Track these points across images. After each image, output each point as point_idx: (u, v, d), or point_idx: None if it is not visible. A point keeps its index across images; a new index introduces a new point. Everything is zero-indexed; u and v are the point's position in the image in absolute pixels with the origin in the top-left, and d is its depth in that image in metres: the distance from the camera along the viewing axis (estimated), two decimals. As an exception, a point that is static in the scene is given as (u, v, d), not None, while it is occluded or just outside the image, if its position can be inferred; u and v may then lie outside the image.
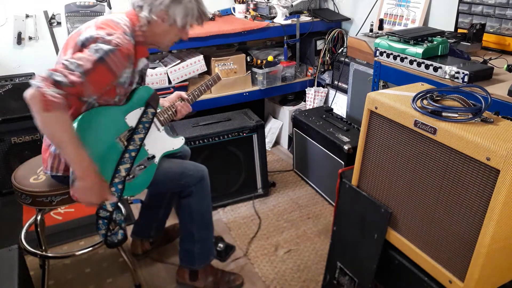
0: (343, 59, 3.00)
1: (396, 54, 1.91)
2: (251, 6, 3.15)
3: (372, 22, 2.64)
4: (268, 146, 3.32)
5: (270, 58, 2.98)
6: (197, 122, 2.55)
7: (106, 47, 1.38)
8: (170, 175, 1.76)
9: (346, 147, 2.32)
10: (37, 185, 1.68)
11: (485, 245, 1.08)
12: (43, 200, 1.67)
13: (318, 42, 3.18)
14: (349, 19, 3.11)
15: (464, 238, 1.15)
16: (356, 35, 2.88)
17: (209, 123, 2.54)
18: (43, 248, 1.80)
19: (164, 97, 1.94)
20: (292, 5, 3.03)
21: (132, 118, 1.64)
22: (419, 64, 1.80)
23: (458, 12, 2.24)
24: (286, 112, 3.26)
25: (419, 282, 1.31)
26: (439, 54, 1.83)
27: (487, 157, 1.03)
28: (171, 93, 2.71)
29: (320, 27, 3.14)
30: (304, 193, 2.74)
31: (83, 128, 1.49)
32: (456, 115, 1.15)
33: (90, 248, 1.86)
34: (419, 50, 1.80)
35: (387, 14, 2.70)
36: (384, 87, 2.15)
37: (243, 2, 3.19)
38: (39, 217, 1.75)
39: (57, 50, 2.82)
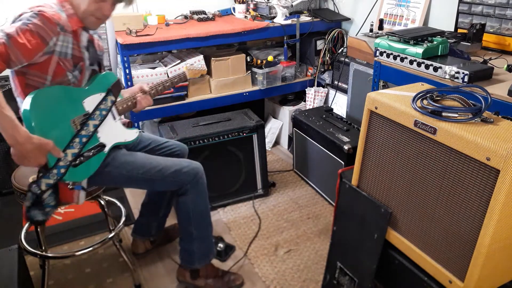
0: (343, 59, 3.00)
1: (396, 54, 1.91)
2: (251, 6, 3.15)
3: (372, 22, 2.64)
4: (268, 146, 3.32)
5: (270, 58, 2.98)
6: (197, 122, 2.55)
7: (28, 14, 1.44)
8: (164, 173, 1.75)
9: (346, 147, 2.32)
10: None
11: (485, 245, 1.08)
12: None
13: (318, 42, 3.18)
14: (349, 19, 3.11)
15: (464, 238, 1.15)
16: (356, 35, 2.88)
17: (209, 123, 2.54)
18: (43, 248, 1.80)
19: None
20: (292, 5, 3.03)
21: (90, 103, 1.62)
22: (419, 64, 1.80)
23: (458, 12, 2.24)
24: (286, 112, 3.26)
25: (419, 282, 1.31)
26: (439, 54, 1.83)
27: (487, 157, 1.03)
28: (171, 93, 2.74)
29: (320, 27, 3.14)
30: (304, 193, 2.74)
31: (38, 103, 1.46)
32: (456, 115, 1.15)
33: (90, 248, 1.85)
34: (419, 50, 1.80)
35: (387, 14, 2.70)
36: (384, 87, 2.15)
37: (243, 2, 3.19)
38: (39, 217, 1.75)
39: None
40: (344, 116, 2.88)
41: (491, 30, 2.09)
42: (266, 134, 3.09)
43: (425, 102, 1.23)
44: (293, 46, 3.19)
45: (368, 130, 1.43)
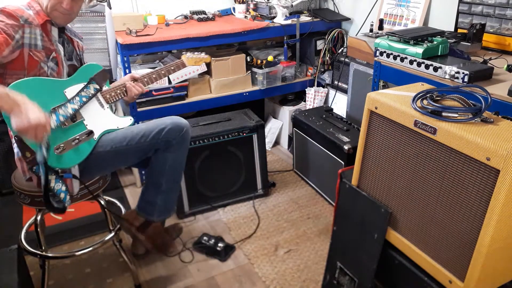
0: (343, 59, 3.00)
1: (396, 54, 1.91)
2: (251, 6, 3.15)
3: (372, 22, 2.64)
4: (268, 146, 3.32)
5: (270, 58, 2.98)
6: (197, 122, 2.55)
7: None
8: (148, 136, 1.75)
9: (346, 147, 2.32)
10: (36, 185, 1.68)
11: (485, 245, 1.08)
12: (42, 200, 1.67)
13: (318, 42, 3.18)
14: (349, 19, 3.11)
15: (464, 238, 1.15)
16: (356, 35, 2.88)
17: (209, 123, 2.54)
18: (43, 248, 1.80)
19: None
20: (292, 5, 3.02)
21: (71, 92, 1.66)
22: (419, 64, 1.80)
23: (458, 12, 2.24)
24: (286, 112, 3.26)
25: (419, 282, 1.31)
26: (439, 54, 1.83)
27: (487, 157, 1.03)
28: (171, 93, 2.74)
29: (320, 27, 3.14)
30: (304, 193, 2.74)
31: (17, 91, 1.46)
32: (456, 115, 1.15)
33: (90, 248, 1.85)
34: (419, 50, 1.80)
35: (387, 14, 2.70)
36: (384, 87, 2.15)
37: (243, 2, 3.19)
38: (39, 217, 1.75)
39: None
40: (344, 116, 2.88)
41: (491, 30, 2.09)
42: (266, 134, 3.09)
43: (425, 102, 1.23)
44: (293, 46, 3.19)
45: (368, 130, 1.43)
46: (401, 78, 1.91)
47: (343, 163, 2.37)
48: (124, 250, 1.98)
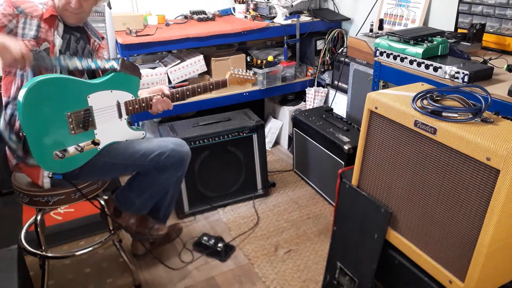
0: (343, 59, 3.00)
1: (396, 54, 1.91)
2: (251, 6, 3.15)
3: (372, 22, 2.64)
4: (268, 146, 3.32)
5: (270, 58, 2.98)
6: (197, 122, 2.55)
7: None
8: (147, 156, 1.75)
9: (346, 147, 2.32)
10: (35, 185, 1.68)
11: (485, 245, 1.08)
12: (40, 200, 1.67)
13: (318, 42, 3.18)
14: (349, 19, 3.11)
15: (464, 238, 1.15)
16: (356, 35, 2.88)
17: (209, 123, 2.54)
18: (43, 248, 1.80)
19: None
20: (292, 5, 3.03)
21: (94, 99, 1.63)
22: (419, 64, 1.80)
23: (458, 12, 2.24)
24: (286, 112, 3.26)
25: (419, 282, 1.31)
26: (439, 54, 1.83)
27: (487, 157, 1.03)
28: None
29: (320, 27, 3.14)
30: (304, 193, 2.74)
31: (39, 89, 1.49)
32: (456, 115, 1.15)
33: (90, 248, 1.85)
34: (419, 50, 1.80)
35: (387, 14, 2.70)
36: (384, 87, 2.15)
37: (243, 2, 3.19)
38: (39, 217, 1.75)
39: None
40: (344, 116, 2.88)
41: (491, 30, 2.09)
42: (266, 134, 3.09)
43: (425, 102, 1.23)
44: (293, 46, 3.19)
45: (368, 130, 1.43)
46: (401, 78, 1.91)
47: (343, 163, 2.37)
48: (124, 250, 1.98)
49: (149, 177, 1.83)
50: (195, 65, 2.78)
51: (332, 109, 2.90)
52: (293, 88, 3.21)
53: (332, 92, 3.19)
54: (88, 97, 1.62)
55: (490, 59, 1.87)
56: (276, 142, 3.42)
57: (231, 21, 3.01)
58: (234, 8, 3.19)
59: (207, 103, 2.88)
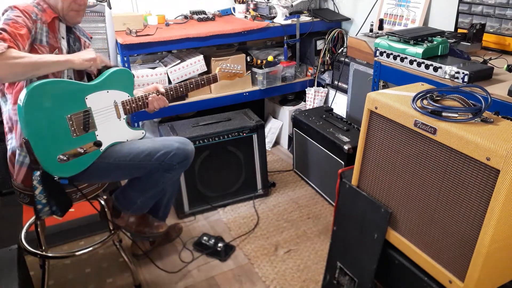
0: (343, 59, 3.00)
1: (396, 54, 1.91)
2: (251, 6, 3.15)
3: (372, 22, 2.63)
4: (268, 146, 3.32)
5: (270, 58, 2.98)
6: (197, 122, 2.55)
7: (6, 10, 1.56)
8: (152, 156, 1.75)
9: (346, 147, 2.32)
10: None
11: (485, 245, 1.08)
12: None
13: (318, 42, 3.18)
14: (349, 19, 3.11)
15: (464, 238, 1.15)
16: (356, 35, 2.88)
17: (209, 123, 2.54)
18: (43, 248, 1.80)
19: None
20: (292, 5, 3.02)
21: (92, 99, 1.63)
22: (419, 64, 1.80)
23: (458, 12, 2.24)
24: (286, 112, 3.26)
25: (419, 282, 1.31)
26: (439, 54, 1.83)
27: (487, 157, 1.03)
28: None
29: (320, 27, 3.14)
30: (304, 193, 2.74)
31: (37, 93, 1.48)
32: (456, 115, 1.15)
33: (90, 248, 1.85)
34: (419, 50, 1.80)
35: (387, 14, 2.70)
36: (384, 87, 2.15)
37: (243, 2, 3.19)
38: (39, 217, 1.75)
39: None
40: (344, 116, 2.88)
41: (491, 30, 2.09)
42: (266, 134, 3.09)
43: (425, 102, 1.23)
44: (293, 46, 3.19)
45: (368, 130, 1.43)
46: (401, 78, 1.91)
47: (343, 163, 2.37)
48: (124, 250, 1.98)
49: (153, 176, 1.82)
50: (195, 65, 2.78)
51: (332, 109, 2.90)
52: (293, 88, 3.21)
53: (332, 92, 3.19)
54: (86, 98, 1.62)
55: (490, 59, 1.87)
56: (276, 142, 3.42)
57: (231, 21, 3.01)
58: (234, 8, 3.19)
59: (207, 103, 2.88)
